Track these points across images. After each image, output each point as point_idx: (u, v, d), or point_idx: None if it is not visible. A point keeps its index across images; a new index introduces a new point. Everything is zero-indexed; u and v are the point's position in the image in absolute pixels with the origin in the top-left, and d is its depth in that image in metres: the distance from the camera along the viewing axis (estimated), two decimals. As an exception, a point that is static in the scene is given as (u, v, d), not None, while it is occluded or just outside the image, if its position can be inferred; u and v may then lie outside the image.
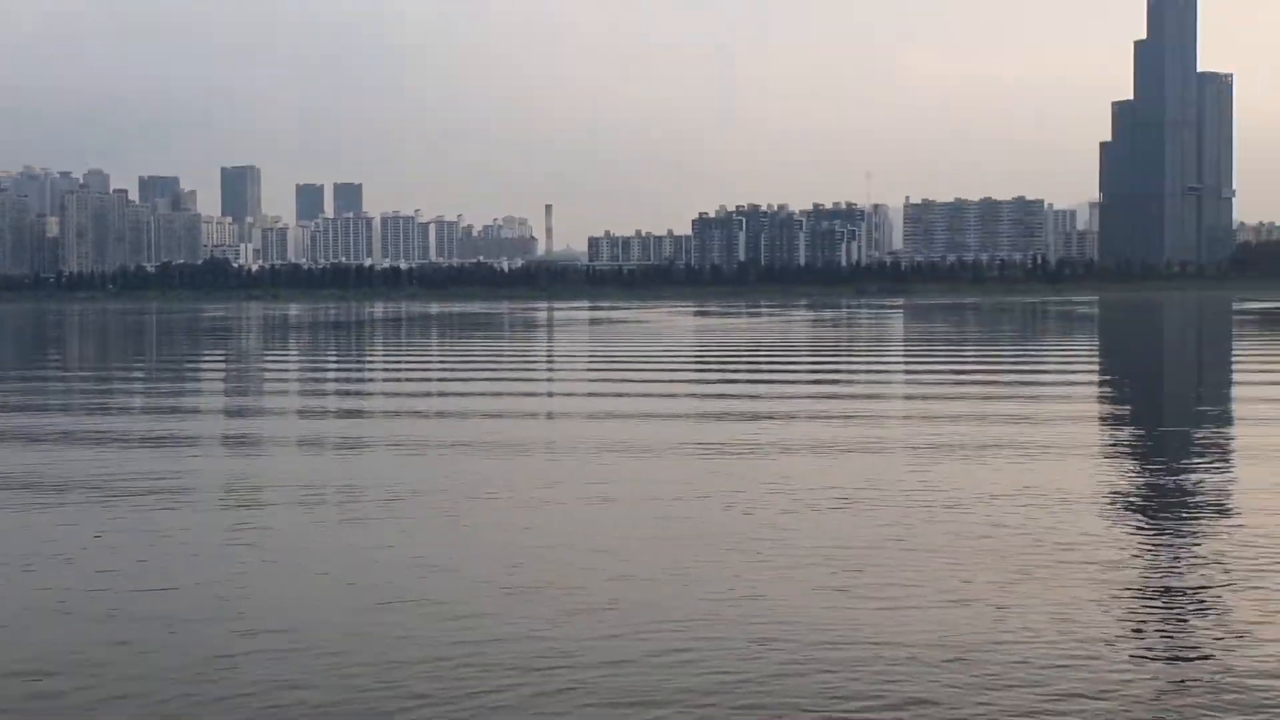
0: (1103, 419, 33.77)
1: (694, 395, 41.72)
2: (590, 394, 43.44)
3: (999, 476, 22.65)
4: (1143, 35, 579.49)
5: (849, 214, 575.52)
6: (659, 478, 23.09)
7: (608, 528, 18.49)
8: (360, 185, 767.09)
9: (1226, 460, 25.01)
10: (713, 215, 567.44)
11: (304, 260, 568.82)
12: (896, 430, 30.25)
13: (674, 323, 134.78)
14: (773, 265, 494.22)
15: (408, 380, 54.81)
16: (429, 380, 54.84)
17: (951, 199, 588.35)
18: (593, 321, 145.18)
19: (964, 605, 14.04)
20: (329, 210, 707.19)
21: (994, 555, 16.37)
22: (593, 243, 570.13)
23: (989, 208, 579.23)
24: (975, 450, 25.82)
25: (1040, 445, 26.70)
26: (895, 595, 14.44)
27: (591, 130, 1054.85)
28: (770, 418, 32.91)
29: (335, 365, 68.80)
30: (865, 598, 14.37)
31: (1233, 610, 13.76)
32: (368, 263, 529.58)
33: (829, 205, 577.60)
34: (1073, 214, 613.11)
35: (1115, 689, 11.24)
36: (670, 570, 15.70)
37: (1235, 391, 44.05)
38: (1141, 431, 30.61)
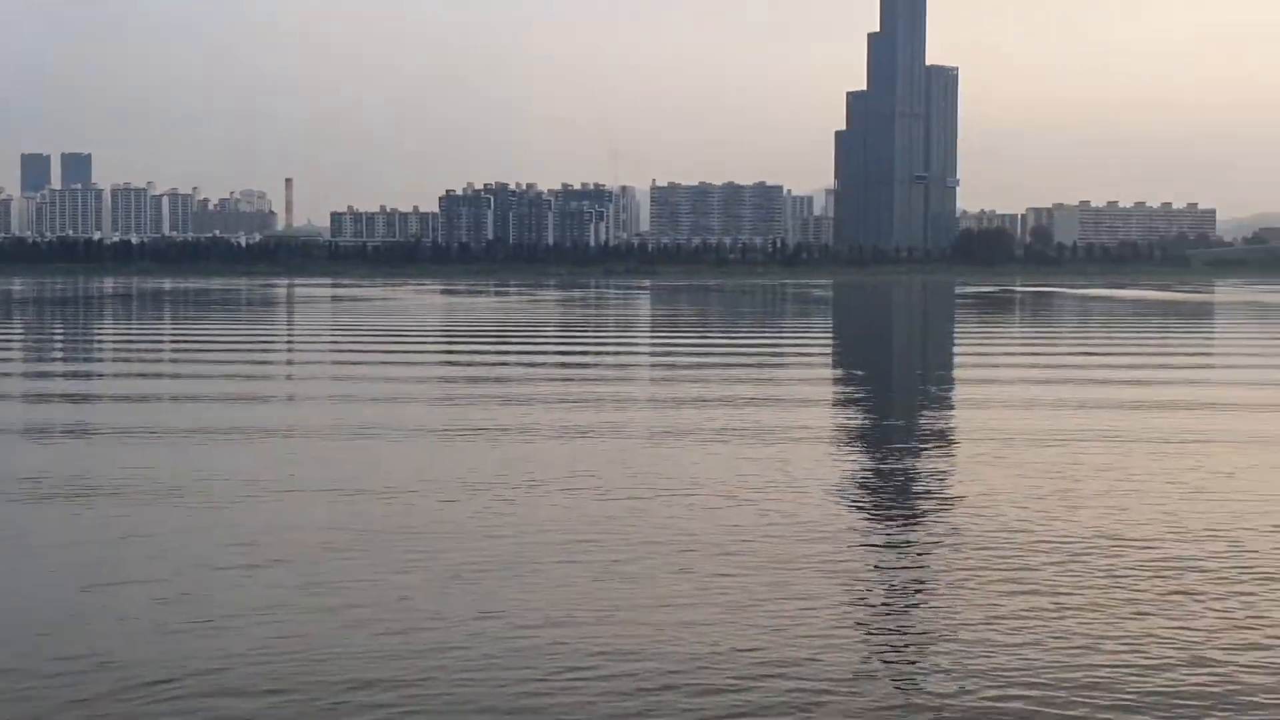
0: (835, 402, 35.22)
1: (438, 378, 41.62)
2: (331, 377, 42.86)
3: (733, 457, 23.52)
4: (876, 28, 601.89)
5: (597, 195, 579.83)
6: (396, 462, 23.09)
7: (341, 509, 18.46)
8: (89, 155, 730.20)
9: (946, 440, 26.53)
10: (460, 193, 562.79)
11: (29, 233, 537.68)
12: (640, 413, 30.76)
13: (420, 301, 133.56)
14: (521, 244, 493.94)
15: (139, 361, 52.80)
16: (161, 361, 53.02)
17: (696, 183, 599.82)
18: (335, 299, 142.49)
19: (687, 573, 14.70)
20: (56, 181, 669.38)
21: (722, 529, 17.10)
22: (335, 218, 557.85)
23: (731, 192, 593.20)
24: (713, 433, 26.53)
25: (775, 427, 27.70)
26: (621, 565, 14.97)
27: (334, 102, 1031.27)
28: (515, 401, 33.03)
29: (61, 345, 65.69)
30: (593, 569, 14.85)
31: (939, 575, 14.80)
32: (97, 236, 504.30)
33: (577, 186, 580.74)
34: (810, 200, 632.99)
35: (826, 641, 12.00)
36: (400, 549, 15.83)
37: (955, 374, 46.65)
38: (869, 413, 32.18)
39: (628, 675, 11.25)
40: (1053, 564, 15.07)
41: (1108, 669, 11.41)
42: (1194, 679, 11.19)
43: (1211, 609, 13.29)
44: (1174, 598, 13.70)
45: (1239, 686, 10.99)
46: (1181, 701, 10.62)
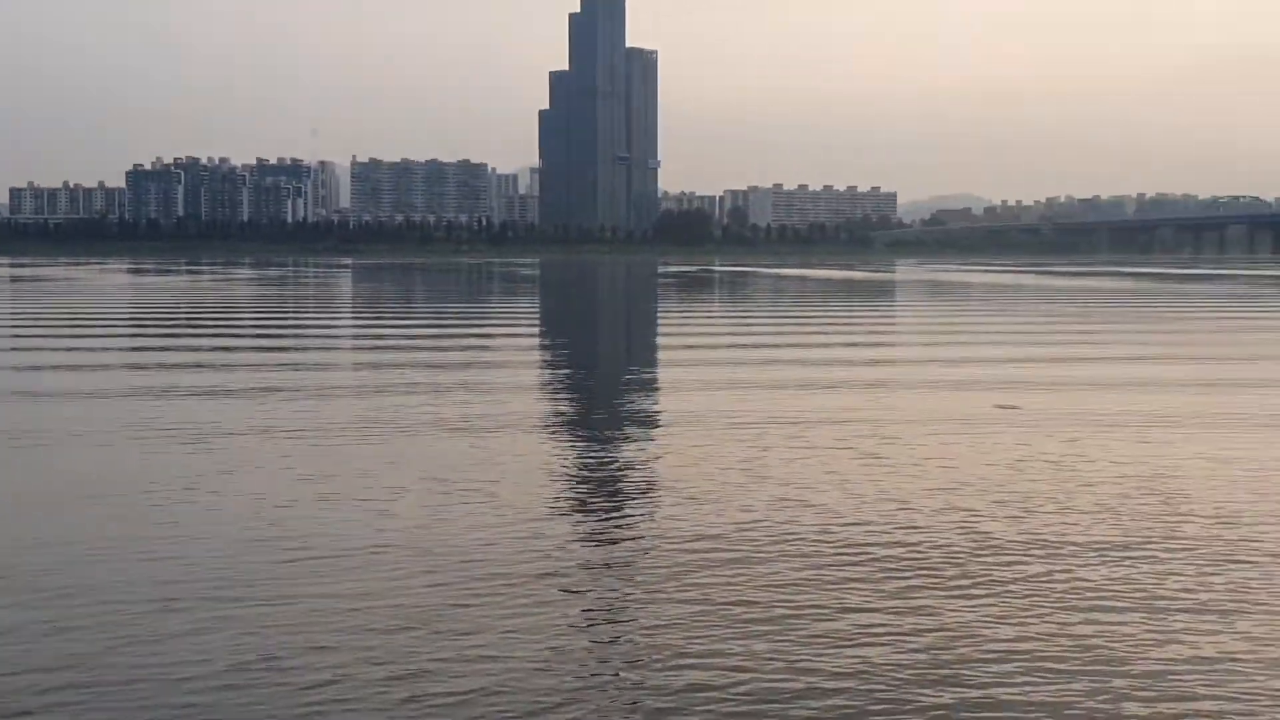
0: (541, 385, 35.13)
1: (127, 365, 39.86)
2: (8, 366, 40.43)
3: (436, 442, 23.56)
4: (576, 8, 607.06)
5: (295, 170, 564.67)
6: (70, 461, 21.97)
7: (24, 505, 17.72)
8: None
9: (647, 421, 27.07)
10: (149, 167, 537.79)
11: None
12: (343, 406, 29.07)
13: (105, 281, 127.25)
14: (214, 221, 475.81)
15: None
16: None
17: (398, 159, 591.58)
18: (14, 280, 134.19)
19: (380, 551, 14.79)
20: None
21: (419, 510, 17.24)
22: (14, 194, 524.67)
23: (435, 169, 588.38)
24: (421, 424, 25.61)
25: (480, 410, 27.59)
26: (311, 550, 14.89)
27: (11, 72, 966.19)
28: (211, 393, 31.20)
29: None
30: (280, 552, 14.72)
31: (629, 544, 15.38)
32: None
33: (274, 160, 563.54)
34: (515, 178, 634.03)
35: (520, 613, 12.34)
36: (85, 540, 15.33)
37: (659, 355, 47.86)
38: (574, 395, 32.66)
39: (314, 657, 11.31)
40: (735, 527, 15.91)
41: (777, 620, 12.21)
42: (848, 621, 12.21)
43: (876, 559, 14.39)
44: (844, 551, 14.74)
45: (886, 628, 12.04)
46: (839, 645, 11.51)
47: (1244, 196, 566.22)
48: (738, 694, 10.51)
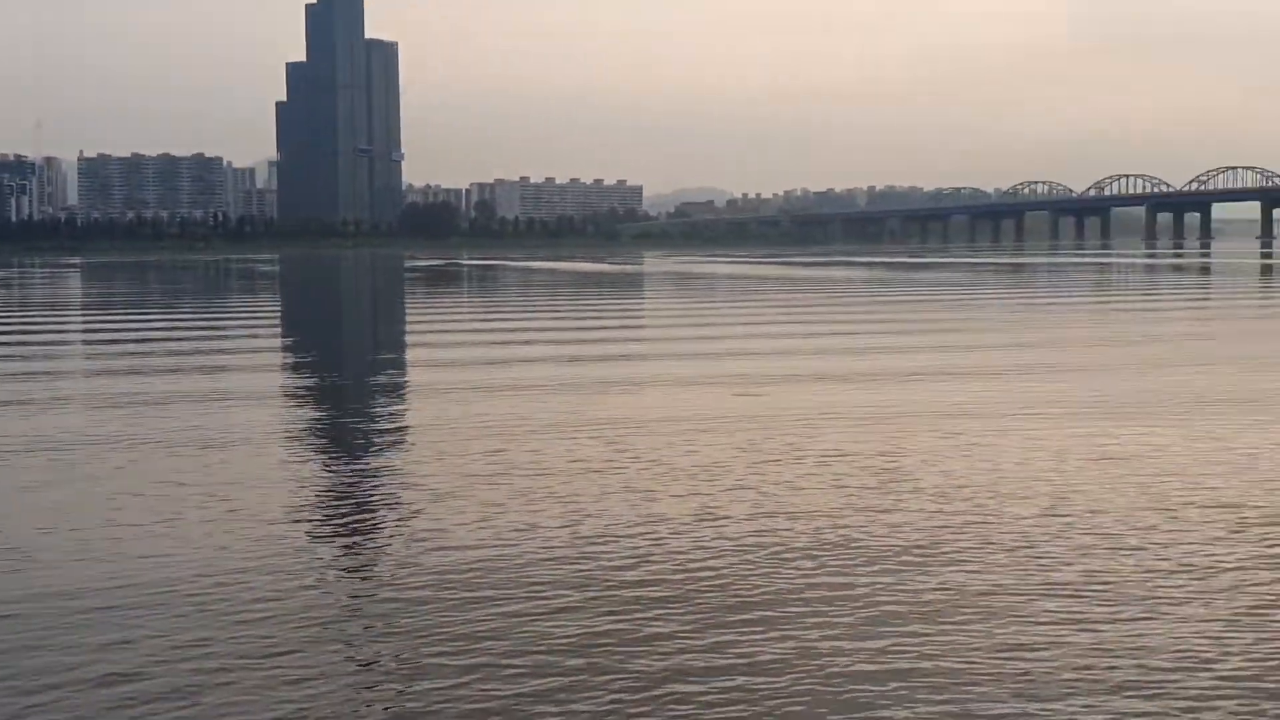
0: (285, 394, 33.33)
1: None
2: None
3: (178, 457, 22.78)
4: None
5: (18, 167, 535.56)
6: None
7: None
8: None
9: (397, 428, 26.46)
10: None
11: None
12: (73, 416, 27.50)
13: None
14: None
15: None
16: None
17: (129, 154, 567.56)
18: None
19: (115, 557, 14.36)
20: None
21: (156, 519, 16.80)
22: None
23: (168, 164, 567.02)
24: (156, 432, 24.57)
25: (222, 422, 26.45)
26: (37, 557, 14.38)
27: None
28: None
29: None
30: (3, 560, 14.22)
31: (368, 539, 15.37)
32: None
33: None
34: (252, 172, 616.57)
35: (243, 614, 12.25)
36: None
37: (409, 355, 47.27)
38: (321, 405, 31.93)
39: (39, 658, 10.99)
40: (478, 521, 16.12)
41: (513, 600, 12.51)
42: (581, 595, 12.56)
43: (616, 539, 14.89)
44: (585, 536, 15.18)
45: (617, 596, 12.49)
46: (570, 617, 11.83)
47: (965, 188, 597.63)
48: (471, 671, 10.74)
